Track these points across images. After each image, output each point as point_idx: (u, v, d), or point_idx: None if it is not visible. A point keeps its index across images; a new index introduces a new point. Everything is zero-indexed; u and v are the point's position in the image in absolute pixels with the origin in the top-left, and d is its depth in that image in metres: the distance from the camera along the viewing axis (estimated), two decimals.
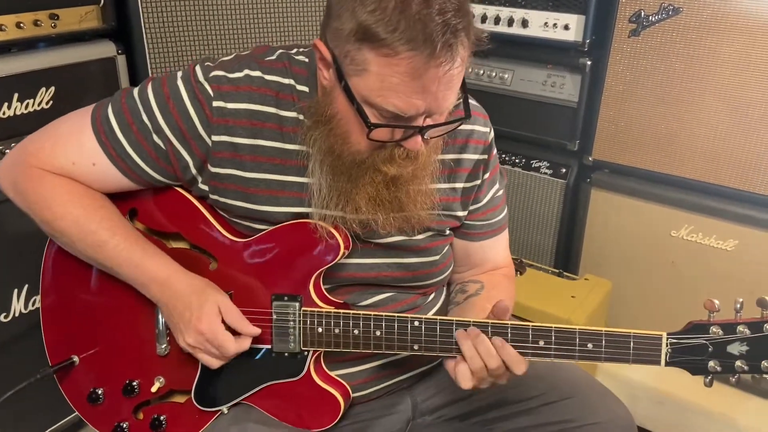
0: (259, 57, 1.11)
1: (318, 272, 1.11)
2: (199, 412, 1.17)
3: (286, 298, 1.11)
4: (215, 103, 1.07)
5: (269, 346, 1.13)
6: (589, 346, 1.04)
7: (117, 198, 1.16)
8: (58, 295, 1.23)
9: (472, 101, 1.21)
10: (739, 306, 1.00)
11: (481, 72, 2.17)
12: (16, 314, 1.62)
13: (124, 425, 1.21)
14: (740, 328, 1.00)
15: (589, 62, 1.97)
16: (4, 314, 1.60)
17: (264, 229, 1.13)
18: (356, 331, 1.09)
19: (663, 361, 1.03)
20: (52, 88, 1.61)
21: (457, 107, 1.04)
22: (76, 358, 1.22)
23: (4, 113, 1.53)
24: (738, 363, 1.01)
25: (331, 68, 0.99)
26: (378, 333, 1.09)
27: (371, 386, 1.21)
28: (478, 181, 1.22)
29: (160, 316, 1.16)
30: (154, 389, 1.18)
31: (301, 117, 1.08)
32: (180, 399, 1.20)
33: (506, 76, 2.14)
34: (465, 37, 0.93)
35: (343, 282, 1.16)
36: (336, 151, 1.03)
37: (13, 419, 1.64)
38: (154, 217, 1.18)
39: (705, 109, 1.80)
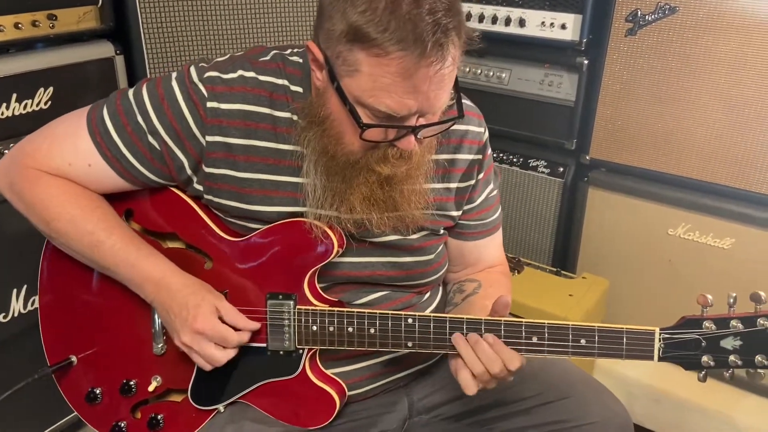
0: (253, 58, 1.11)
1: (312, 270, 1.12)
2: (195, 410, 1.17)
3: (280, 296, 1.12)
4: (209, 104, 1.07)
5: (264, 345, 1.14)
6: (582, 341, 1.04)
7: (112, 199, 1.17)
8: (56, 295, 1.24)
9: (466, 101, 1.21)
10: (732, 301, 1.00)
11: (479, 71, 2.17)
12: (15, 314, 1.62)
13: (122, 424, 1.22)
14: (733, 322, 1.00)
15: (586, 61, 1.97)
16: (3, 314, 1.60)
17: (258, 229, 1.13)
18: (351, 329, 1.10)
19: (656, 356, 1.03)
20: (51, 89, 1.61)
21: (451, 107, 1.05)
22: (74, 358, 1.23)
23: (2, 114, 1.53)
24: (731, 358, 1.01)
25: (324, 69, 0.99)
26: (372, 330, 1.09)
27: (367, 384, 1.22)
28: (473, 181, 1.23)
29: (156, 316, 1.16)
30: (151, 388, 1.19)
31: (294, 117, 1.09)
32: (177, 398, 1.21)
33: (503, 75, 2.14)
34: (456, 36, 0.94)
35: (337, 280, 1.17)
36: (330, 152, 1.04)
37: (12, 419, 1.65)
38: (149, 217, 1.18)
39: (701, 107, 1.80)
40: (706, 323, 1.01)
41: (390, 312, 1.09)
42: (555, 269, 2.05)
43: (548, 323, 1.05)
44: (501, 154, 2.19)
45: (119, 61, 1.74)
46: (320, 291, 1.14)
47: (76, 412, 1.25)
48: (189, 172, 1.12)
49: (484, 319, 1.06)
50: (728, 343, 1.01)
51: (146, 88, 1.11)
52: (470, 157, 1.21)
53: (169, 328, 1.12)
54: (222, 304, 1.10)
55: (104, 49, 1.71)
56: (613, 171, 2.01)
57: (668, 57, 1.81)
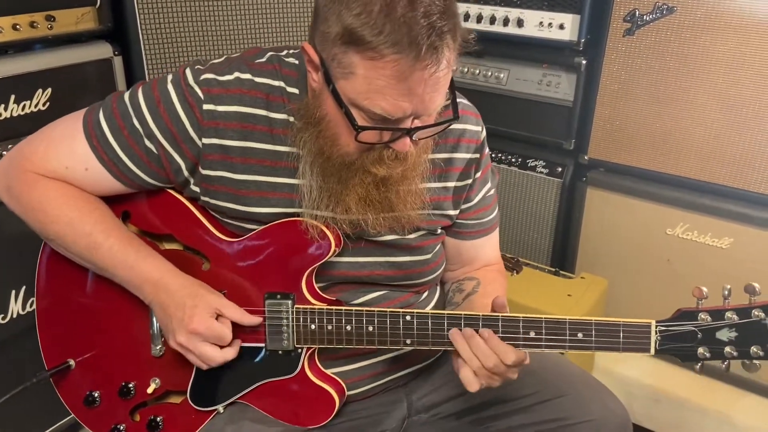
0: (249, 59, 1.12)
1: (310, 270, 1.12)
2: (195, 412, 1.17)
3: (278, 296, 1.12)
4: (205, 106, 1.07)
5: (263, 345, 1.14)
6: (580, 335, 1.05)
7: (109, 201, 1.17)
8: (54, 298, 1.24)
9: (463, 100, 1.21)
10: (727, 293, 1.01)
11: (477, 72, 2.18)
12: (14, 315, 1.62)
13: (121, 427, 1.22)
14: (728, 314, 1.01)
15: (584, 61, 1.97)
16: (2, 316, 1.60)
17: (255, 230, 1.13)
18: (349, 327, 1.10)
19: (653, 349, 1.03)
20: (49, 90, 1.61)
21: (447, 107, 1.05)
22: (72, 362, 1.23)
23: (0, 115, 1.53)
24: (727, 349, 1.01)
25: (320, 71, 0.99)
26: (370, 328, 1.10)
27: (367, 384, 1.22)
28: (470, 180, 1.23)
29: (154, 318, 1.17)
30: (150, 390, 1.19)
31: (291, 119, 1.09)
32: (176, 399, 1.21)
33: (502, 75, 2.14)
34: (451, 39, 0.94)
35: (335, 280, 1.17)
36: (326, 153, 1.04)
37: (10, 421, 1.65)
38: (146, 219, 1.18)
39: (699, 107, 1.80)
40: (702, 315, 1.02)
41: (388, 309, 1.10)
42: (554, 269, 2.05)
43: (545, 318, 1.05)
44: (499, 154, 2.19)
45: (118, 62, 1.74)
46: (318, 290, 1.14)
47: (74, 416, 1.25)
48: (186, 174, 1.12)
49: (482, 315, 1.07)
50: (724, 335, 1.01)
51: (142, 91, 1.11)
52: (468, 156, 1.21)
53: (165, 328, 1.12)
54: (222, 302, 1.10)
55: (102, 50, 1.71)
56: (612, 171, 2.01)
57: (666, 57, 1.82)
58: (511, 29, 2.04)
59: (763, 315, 0.99)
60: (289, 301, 1.12)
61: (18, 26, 1.54)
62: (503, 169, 2.19)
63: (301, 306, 1.12)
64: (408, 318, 1.09)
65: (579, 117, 2.03)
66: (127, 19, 1.73)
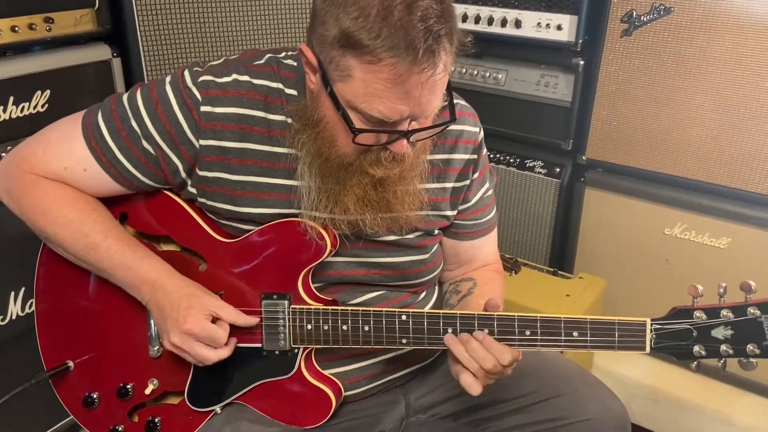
0: (248, 61, 1.12)
1: (306, 270, 1.12)
2: (192, 412, 1.18)
3: (275, 296, 1.12)
4: (203, 108, 1.08)
5: (260, 345, 1.14)
6: (575, 334, 1.05)
7: (107, 203, 1.17)
8: (52, 300, 1.24)
9: (461, 101, 1.22)
10: (722, 291, 1.01)
11: (475, 72, 2.18)
12: (13, 317, 1.62)
13: (120, 428, 1.22)
14: (724, 312, 1.00)
15: (581, 62, 1.97)
16: (1, 317, 1.60)
17: (251, 230, 1.14)
18: (345, 327, 1.10)
19: (648, 347, 1.03)
20: (48, 92, 1.62)
21: (444, 108, 1.05)
22: (71, 363, 1.23)
23: None
24: (723, 347, 1.01)
25: (318, 73, 1.00)
26: (366, 328, 1.10)
27: (365, 385, 1.22)
28: (468, 181, 1.23)
29: (152, 320, 1.17)
30: (148, 391, 1.19)
31: (289, 120, 1.09)
32: (174, 400, 1.21)
33: (500, 76, 2.14)
34: (447, 42, 0.94)
35: (332, 280, 1.17)
36: (324, 154, 1.04)
37: (9, 423, 1.65)
38: (144, 220, 1.19)
39: (697, 107, 1.81)
40: (697, 313, 1.02)
41: (384, 309, 1.10)
42: (552, 269, 2.06)
43: (541, 317, 1.06)
44: (498, 155, 2.19)
45: (116, 64, 1.74)
46: (314, 290, 1.14)
47: (73, 417, 1.25)
48: (183, 175, 1.12)
49: (477, 315, 1.07)
50: (719, 333, 1.01)
51: (140, 92, 1.12)
52: (466, 156, 1.21)
53: (161, 329, 1.13)
54: (217, 303, 1.10)
55: (101, 52, 1.72)
56: (610, 171, 2.01)
57: (663, 57, 1.82)
58: (509, 30, 2.05)
59: (759, 313, 0.99)
60: (286, 302, 1.12)
61: (17, 28, 1.55)
62: (501, 170, 2.19)
63: (298, 306, 1.12)
64: (404, 318, 1.09)
65: (577, 117, 2.03)
66: (126, 21, 1.73)
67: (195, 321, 1.07)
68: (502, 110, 2.15)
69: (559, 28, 1.96)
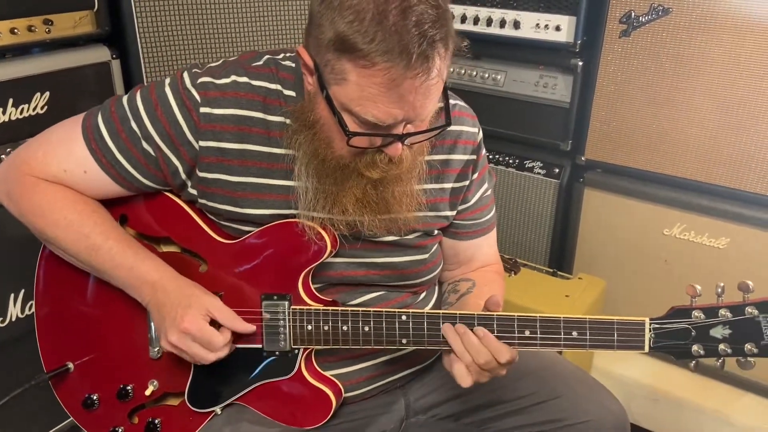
0: (246, 63, 1.12)
1: (306, 271, 1.12)
2: (192, 413, 1.18)
3: (275, 297, 1.12)
4: (202, 109, 1.08)
5: (260, 346, 1.14)
6: (574, 334, 1.05)
7: (107, 204, 1.17)
8: (52, 302, 1.24)
9: (459, 102, 1.22)
10: (720, 290, 1.01)
11: (474, 73, 2.18)
12: (13, 319, 1.63)
13: (120, 430, 1.22)
14: (722, 311, 1.01)
15: (580, 63, 1.97)
16: (1, 319, 1.61)
17: (252, 231, 1.14)
18: (345, 328, 1.11)
19: (647, 346, 1.04)
20: (47, 93, 1.62)
21: (442, 111, 1.05)
22: (70, 365, 1.23)
23: None
24: (721, 346, 1.01)
25: (314, 75, 1.00)
26: (366, 328, 1.10)
27: (365, 386, 1.22)
28: (467, 182, 1.23)
29: (152, 321, 1.17)
30: (148, 393, 1.19)
31: (287, 121, 1.09)
32: (174, 402, 1.21)
33: (499, 77, 2.15)
34: (442, 47, 0.94)
35: (332, 281, 1.18)
36: (321, 155, 1.05)
37: (9, 425, 1.65)
38: (144, 222, 1.19)
39: (695, 108, 1.81)
40: (695, 313, 1.02)
41: (384, 310, 1.10)
42: (551, 270, 2.06)
43: (540, 317, 1.06)
44: (497, 156, 2.20)
45: (115, 66, 1.75)
46: (314, 291, 1.14)
47: (72, 419, 1.25)
48: (183, 176, 1.12)
49: (477, 314, 1.07)
50: (717, 332, 1.01)
51: (140, 94, 1.12)
52: (465, 157, 1.22)
53: (159, 328, 1.12)
54: (216, 305, 1.10)
55: (100, 54, 1.72)
56: (609, 172, 2.01)
57: (662, 58, 1.82)
58: (508, 31, 2.05)
59: (756, 312, 0.99)
60: (286, 302, 1.12)
61: (16, 30, 1.55)
62: (500, 171, 2.20)
63: (298, 307, 1.12)
64: (404, 318, 1.09)
65: (576, 118, 2.03)
66: (125, 23, 1.74)
67: (192, 320, 1.07)
68: (500, 111, 2.15)
69: (557, 29, 1.97)
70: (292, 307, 1.12)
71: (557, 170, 2.10)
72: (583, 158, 2.04)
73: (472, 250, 1.31)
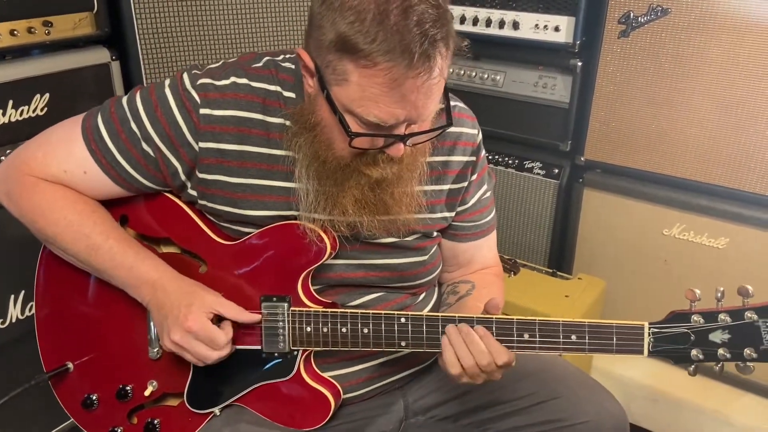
0: (246, 64, 1.12)
1: (306, 272, 1.12)
2: (191, 414, 1.18)
3: (274, 298, 1.13)
4: (202, 111, 1.08)
5: (259, 347, 1.14)
6: (573, 337, 1.05)
7: (107, 205, 1.18)
8: (52, 302, 1.24)
9: (459, 103, 1.22)
10: (720, 295, 1.01)
11: (473, 74, 2.18)
12: (13, 320, 1.63)
13: (119, 430, 1.22)
14: (721, 316, 1.01)
15: (579, 63, 1.97)
16: (1, 320, 1.61)
17: (252, 233, 1.14)
18: (344, 330, 1.11)
19: (646, 351, 1.04)
20: (47, 95, 1.62)
21: (443, 111, 1.06)
22: (70, 365, 1.24)
23: None
24: (720, 351, 1.02)
25: (315, 77, 1.00)
26: (365, 330, 1.10)
27: (364, 387, 1.22)
28: (465, 183, 1.23)
29: (152, 322, 1.17)
30: (147, 393, 1.20)
31: (287, 123, 1.09)
32: (173, 402, 1.21)
33: (498, 77, 2.15)
34: (444, 47, 0.95)
35: (331, 282, 1.18)
36: (321, 157, 1.05)
37: (9, 426, 1.65)
38: (144, 222, 1.19)
39: (694, 108, 1.81)
40: (695, 317, 1.02)
41: (383, 312, 1.10)
42: (551, 270, 2.06)
43: (539, 320, 1.06)
44: (496, 156, 2.20)
45: (115, 67, 1.75)
46: (314, 293, 1.14)
47: (72, 419, 1.25)
48: (183, 178, 1.13)
49: (476, 317, 1.07)
50: (717, 337, 1.02)
51: (140, 95, 1.12)
52: (464, 158, 1.22)
53: (160, 328, 1.13)
54: (218, 301, 1.11)
55: (100, 55, 1.72)
56: (608, 172, 2.01)
57: (661, 58, 1.82)
58: (507, 32, 2.05)
59: (756, 317, 0.99)
60: (285, 304, 1.12)
61: (16, 32, 1.55)
62: (500, 171, 2.20)
63: (297, 308, 1.12)
64: (403, 320, 1.09)
65: (575, 118, 2.03)
66: (125, 24, 1.74)
67: (196, 319, 1.07)
68: (500, 112, 2.15)
69: (556, 29, 1.97)
70: (292, 308, 1.12)
71: (557, 171, 2.10)
72: (582, 158, 2.04)
73: (472, 252, 1.31)
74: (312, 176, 1.07)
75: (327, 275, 1.16)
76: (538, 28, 2.00)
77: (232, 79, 1.10)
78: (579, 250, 2.10)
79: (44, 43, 1.62)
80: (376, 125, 0.97)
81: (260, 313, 1.13)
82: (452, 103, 1.14)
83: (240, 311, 1.11)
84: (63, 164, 1.12)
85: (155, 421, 1.20)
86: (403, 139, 1.00)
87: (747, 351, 1.00)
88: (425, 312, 1.25)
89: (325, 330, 1.11)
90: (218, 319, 1.11)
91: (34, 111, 1.60)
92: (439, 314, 1.09)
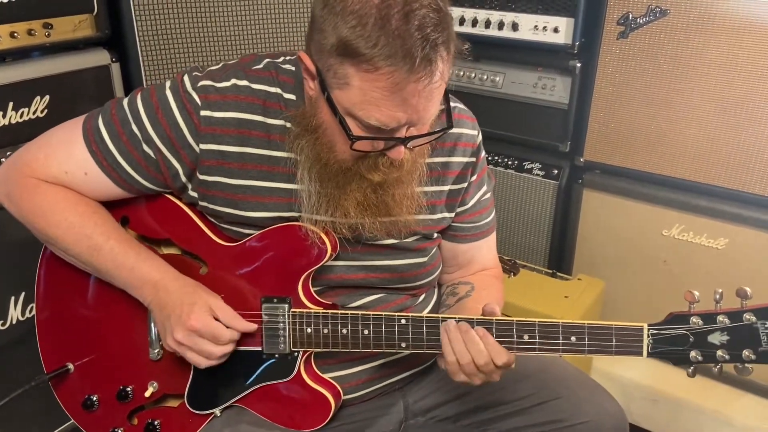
0: (246, 66, 1.13)
1: (306, 274, 1.13)
2: (192, 415, 1.18)
3: (275, 300, 1.13)
4: (203, 113, 1.08)
5: (260, 348, 1.14)
6: (573, 339, 1.05)
7: (108, 206, 1.18)
8: (53, 303, 1.24)
9: (459, 105, 1.23)
10: (718, 297, 1.02)
11: (473, 75, 2.19)
12: (13, 321, 1.63)
13: (119, 431, 1.22)
14: (720, 317, 1.01)
15: (578, 64, 1.98)
16: (2, 321, 1.61)
17: (253, 234, 1.14)
18: (345, 331, 1.11)
19: (645, 352, 1.04)
20: (47, 97, 1.62)
21: (443, 113, 1.06)
22: (70, 366, 1.24)
23: None
24: (719, 352, 1.02)
25: (316, 80, 1.01)
26: (366, 332, 1.10)
27: (364, 388, 1.22)
28: (465, 184, 1.24)
29: (152, 323, 1.17)
30: (147, 394, 1.20)
31: (288, 125, 1.10)
32: (173, 403, 1.21)
33: (497, 79, 2.15)
34: (445, 51, 0.95)
35: (332, 284, 1.18)
36: (323, 159, 1.05)
37: (9, 426, 1.65)
38: (145, 223, 1.19)
39: (694, 109, 1.81)
40: (694, 319, 1.03)
41: (383, 313, 1.10)
42: (550, 271, 2.06)
43: (539, 321, 1.06)
44: (496, 157, 2.20)
45: (115, 69, 1.75)
46: (314, 294, 1.15)
47: (72, 420, 1.26)
48: (184, 179, 1.13)
49: (476, 318, 1.07)
50: (715, 338, 1.02)
51: (141, 97, 1.12)
52: (464, 160, 1.22)
53: (162, 328, 1.13)
54: (218, 304, 1.11)
55: (100, 57, 1.72)
56: (607, 173, 2.02)
57: (660, 59, 1.83)
58: (506, 33, 2.05)
59: (754, 319, 0.99)
60: (286, 305, 1.12)
61: (16, 34, 1.55)
62: (499, 172, 2.20)
63: (298, 310, 1.12)
64: (403, 322, 1.09)
65: (574, 119, 2.03)
66: (125, 26, 1.74)
67: (199, 317, 1.08)
68: (499, 113, 2.15)
69: (555, 30, 1.97)
70: (292, 310, 1.12)
71: (556, 171, 2.11)
72: (581, 159, 2.04)
73: (471, 253, 1.31)
74: (314, 178, 1.07)
75: (327, 277, 1.17)
76: (537, 29, 2.00)
77: (233, 81, 1.10)
78: (578, 251, 2.10)
79: (44, 45, 1.62)
80: (377, 128, 0.98)
81: (257, 321, 1.13)
82: (452, 105, 1.15)
83: (235, 317, 1.11)
84: (64, 165, 1.13)
85: (155, 422, 1.20)
86: (403, 141, 1.00)
87: (745, 352, 1.01)
88: (425, 313, 1.26)
89: (325, 331, 1.12)
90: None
91: (34, 113, 1.61)
92: (439, 316, 1.10)
